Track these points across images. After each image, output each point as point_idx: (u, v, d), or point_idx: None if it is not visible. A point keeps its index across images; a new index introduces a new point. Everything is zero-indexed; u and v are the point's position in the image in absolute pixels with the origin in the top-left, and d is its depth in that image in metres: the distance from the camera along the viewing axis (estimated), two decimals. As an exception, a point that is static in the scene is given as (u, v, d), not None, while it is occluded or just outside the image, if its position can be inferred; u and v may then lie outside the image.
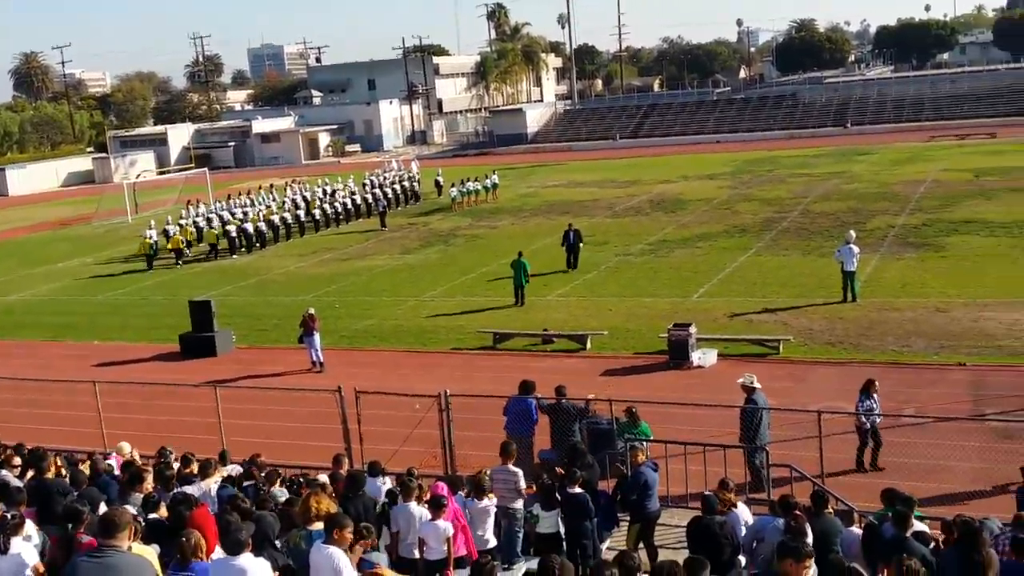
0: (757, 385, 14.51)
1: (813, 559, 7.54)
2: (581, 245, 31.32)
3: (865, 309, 23.91)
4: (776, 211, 39.98)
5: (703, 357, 20.62)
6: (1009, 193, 39.42)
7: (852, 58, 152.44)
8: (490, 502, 10.86)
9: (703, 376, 19.93)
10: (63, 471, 11.73)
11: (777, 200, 42.94)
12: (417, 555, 10.06)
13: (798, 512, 9.51)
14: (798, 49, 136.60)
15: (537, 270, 28.81)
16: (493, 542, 10.91)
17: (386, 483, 11.83)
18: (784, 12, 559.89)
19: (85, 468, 11.94)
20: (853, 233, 26.40)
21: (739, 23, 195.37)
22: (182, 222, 43.52)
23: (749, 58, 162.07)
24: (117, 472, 12.31)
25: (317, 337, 22.70)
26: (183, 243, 39.70)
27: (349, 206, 46.85)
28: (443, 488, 10.38)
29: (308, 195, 49.60)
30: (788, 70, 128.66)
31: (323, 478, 11.67)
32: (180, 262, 38.78)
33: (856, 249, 24.92)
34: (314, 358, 22.62)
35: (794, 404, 16.23)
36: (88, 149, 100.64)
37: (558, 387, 15.28)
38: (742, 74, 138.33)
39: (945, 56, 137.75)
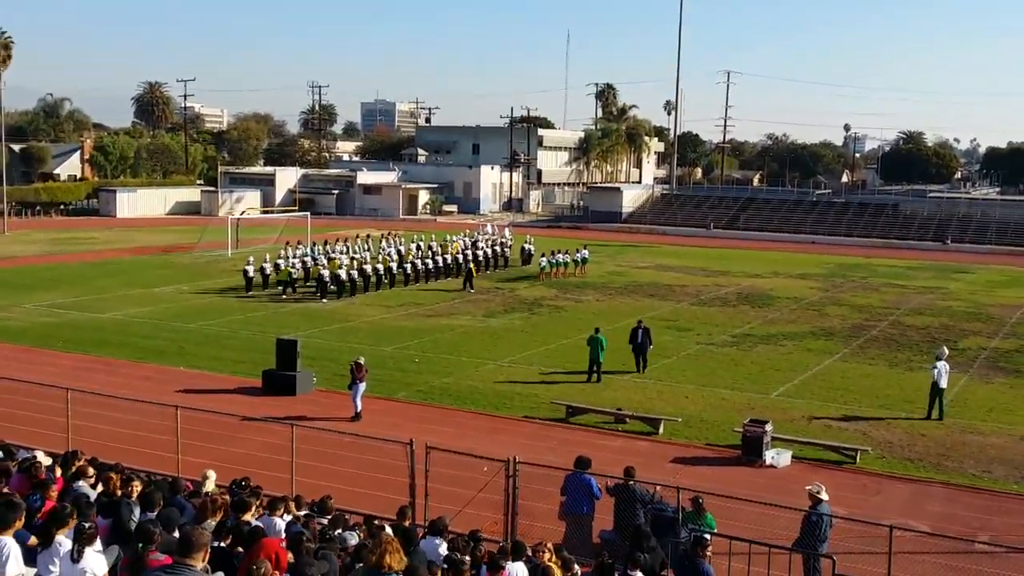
0: (824, 497, 14.27)
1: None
2: (651, 346, 28.65)
3: (949, 429, 23.30)
4: (866, 318, 39.34)
5: (777, 457, 20.33)
6: (1113, 328, 38.10)
7: (958, 175, 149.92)
8: None
9: (775, 476, 19.63)
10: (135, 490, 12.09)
11: (868, 307, 42.27)
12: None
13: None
14: (904, 160, 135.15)
15: (609, 359, 27.85)
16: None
17: (442, 544, 11.79)
18: (893, 123, 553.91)
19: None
20: (946, 350, 25.90)
21: (846, 128, 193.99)
22: (279, 261, 44.89)
23: (853, 163, 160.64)
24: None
25: (362, 387, 23.13)
26: (290, 276, 42.33)
27: (440, 264, 47.74)
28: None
29: (403, 248, 50.69)
30: (891, 180, 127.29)
31: (388, 529, 11.84)
32: (290, 289, 41.75)
33: (947, 367, 24.44)
34: (356, 407, 22.98)
35: (866, 516, 15.90)
36: (198, 181, 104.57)
37: (627, 468, 15.29)
38: (844, 178, 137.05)
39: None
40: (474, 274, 45.45)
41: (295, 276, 42.79)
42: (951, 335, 35.64)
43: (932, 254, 69.24)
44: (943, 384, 24.12)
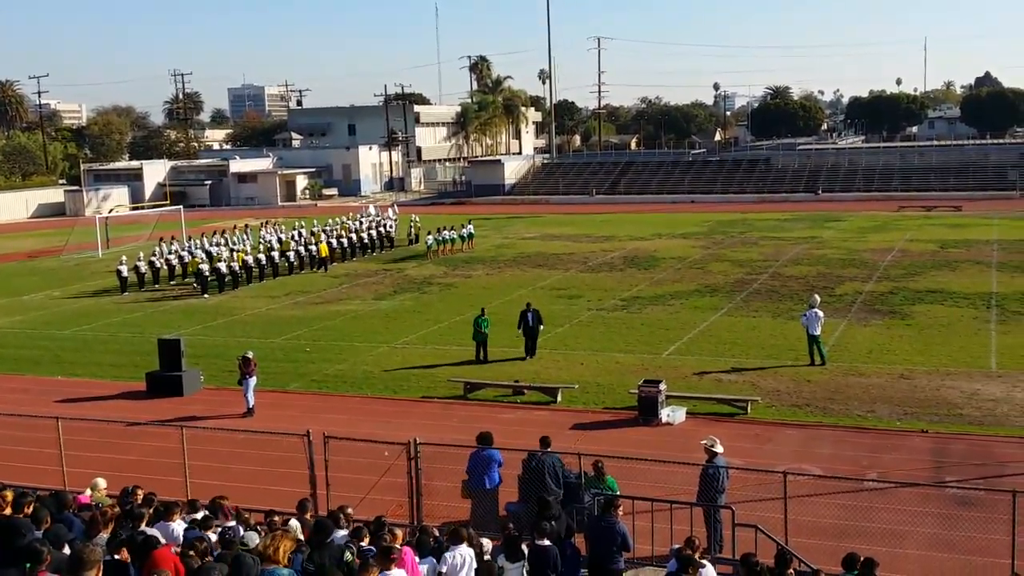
0: (718, 449, 14.61)
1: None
2: (541, 328, 26.86)
3: (832, 373, 24.20)
4: (747, 273, 40.48)
5: (672, 415, 20.74)
6: (972, 265, 40.22)
7: (825, 127, 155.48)
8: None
9: (672, 434, 20.03)
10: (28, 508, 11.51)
11: (748, 262, 43.50)
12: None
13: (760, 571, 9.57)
14: (772, 115, 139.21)
15: (498, 338, 27.16)
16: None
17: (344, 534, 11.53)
18: (760, 79, 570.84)
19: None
20: (817, 297, 26.90)
21: (716, 87, 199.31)
22: (154, 259, 43.34)
23: (725, 121, 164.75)
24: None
25: (252, 381, 22.54)
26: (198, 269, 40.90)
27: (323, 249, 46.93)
28: (409, 555, 10.24)
29: (283, 236, 49.60)
30: (762, 135, 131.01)
31: (295, 523, 11.56)
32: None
33: (820, 313, 25.36)
34: (248, 403, 22.41)
35: (760, 464, 16.38)
36: (60, 181, 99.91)
37: (543, 438, 15.40)
38: (717, 136, 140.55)
39: (914, 129, 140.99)
40: (328, 259, 45.53)
41: (201, 269, 40.73)
42: (828, 282, 37.01)
43: (805, 205, 71.72)
44: (814, 331, 25.01)
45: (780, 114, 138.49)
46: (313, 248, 45.84)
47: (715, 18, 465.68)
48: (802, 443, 19.43)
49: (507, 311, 31.23)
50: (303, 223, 54.28)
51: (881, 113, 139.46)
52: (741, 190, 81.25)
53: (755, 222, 60.64)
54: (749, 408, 21.31)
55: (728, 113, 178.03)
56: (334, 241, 48.09)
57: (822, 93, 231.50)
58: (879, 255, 44.09)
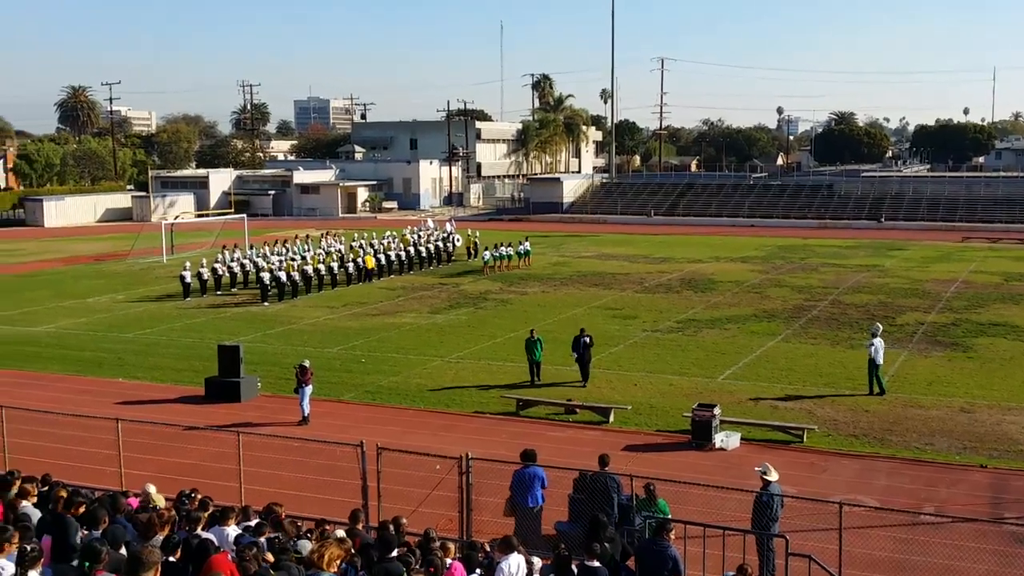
0: (772, 476, 14.42)
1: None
2: (591, 360, 26.17)
3: (891, 404, 23.76)
4: (806, 299, 39.96)
5: (726, 440, 20.53)
6: (1041, 299, 39.24)
7: (889, 154, 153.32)
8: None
9: (725, 459, 19.82)
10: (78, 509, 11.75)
11: (808, 288, 42.95)
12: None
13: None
14: (836, 141, 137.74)
15: (552, 356, 27.00)
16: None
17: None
18: (825, 104, 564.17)
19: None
20: (880, 326, 26.41)
21: (779, 111, 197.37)
22: (217, 265, 44.14)
23: (787, 146, 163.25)
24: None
25: (308, 390, 22.79)
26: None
27: (383, 262, 47.41)
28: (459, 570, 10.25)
29: (343, 248, 50.21)
30: (825, 160, 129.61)
31: (340, 533, 11.66)
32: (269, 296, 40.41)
33: (882, 343, 24.94)
34: (303, 411, 22.66)
35: (815, 494, 16.12)
36: (128, 187, 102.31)
37: (601, 456, 15.33)
38: (779, 161, 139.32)
39: (981, 160, 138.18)
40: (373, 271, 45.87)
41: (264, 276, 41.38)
42: (889, 312, 36.37)
43: (867, 232, 70.66)
44: (879, 360, 24.62)
45: (844, 140, 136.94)
46: (360, 261, 46.33)
47: (781, 42, 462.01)
48: (858, 474, 19.09)
49: (561, 329, 31.23)
50: (363, 235, 54.88)
51: (947, 142, 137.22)
52: (802, 215, 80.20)
53: (816, 248, 59.87)
54: (805, 436, 21.01)
55: (791, 137, 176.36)
56: (392, 254, 48.53)
57: (888, 120, 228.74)
58: (942, 286, 43.22)
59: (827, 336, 32.22)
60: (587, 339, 26.11)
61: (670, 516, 14.01)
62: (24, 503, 11.59)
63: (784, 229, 73.84)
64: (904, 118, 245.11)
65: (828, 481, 18.45)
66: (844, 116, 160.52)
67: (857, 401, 24.07)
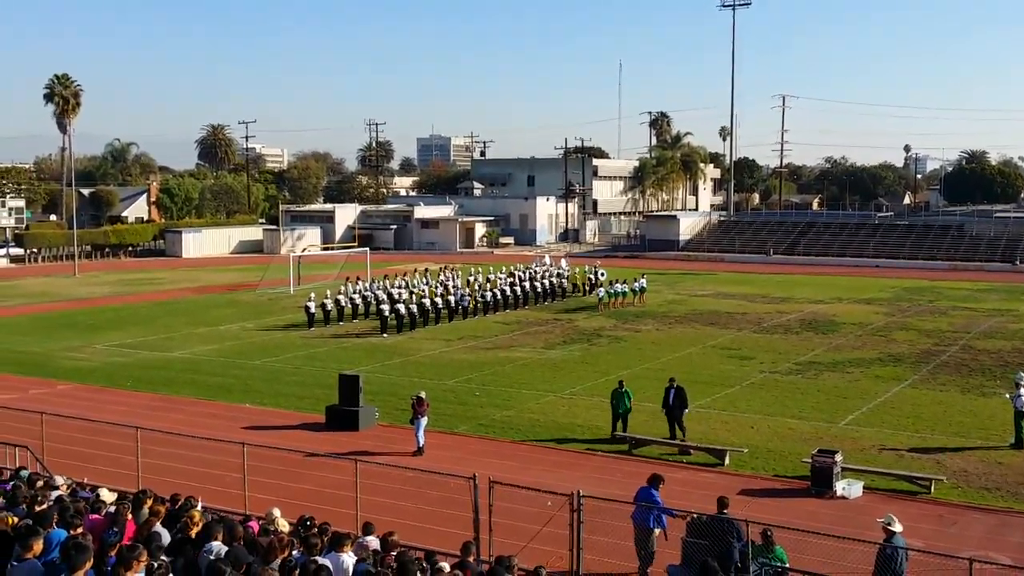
0: (897, 528, 13.87)
1: None
2: (686, 411, 23.81)
3: (1027, 457, 22.56)
4: (935, 343, 38.43)
5: (848, 488, 19.85)
6: None
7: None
8: None
9: (846, 508, 19.15)
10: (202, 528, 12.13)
11: (937, 332, 41.31)
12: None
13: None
14: (968, 180, 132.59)
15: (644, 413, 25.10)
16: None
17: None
18: (954, 142, 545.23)
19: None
20: (1023, 374, 25.16)
21: (906, 149, 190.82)
22: (340, 297, 45.34)
23: (915, 184, 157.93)
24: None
25: (424, 421, 23.15)
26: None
27: (499, 296, 47.86)
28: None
29: (460, 282, 50.91)
30: (955, 200, 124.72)
31: (446, 567, 11.74)
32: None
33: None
34: (418, 442, 22.97)
35: (943, 548, 15.40)
36: (260, 220, 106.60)
37: (720, 498, 15.10)
38: (906, 200, 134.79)
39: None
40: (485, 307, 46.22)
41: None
42: (1025, 359, 34.62)
43: (1001, 275, 67.60)
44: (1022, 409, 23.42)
45: (976, 179, 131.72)
46: (478, 296, 46.98)
47: (906, 80, 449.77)
48: (991, 529, 18.16)
49: (677, 368, 30.80)
50: (479, 270, 55.58)
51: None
52: (931, 256, 77.35)
53: (945, 291, 57.58)
54: (933, 487, 20.12)
55: (919, 176, 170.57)
56: (507, 289, 48.97)
57: (1022, 160, 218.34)
58: (1085, 333, 40.91)
59: (957, 383, 30.88)
60: (675, 389, 23.69)
61: (788, 565, 13.65)
62: (155, 523, 12.07)
63: (911, 270, 71.33)
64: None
65: (957, 536, 17.62)
66: (975, 155, 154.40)
67: (990, 453, 22.93)
